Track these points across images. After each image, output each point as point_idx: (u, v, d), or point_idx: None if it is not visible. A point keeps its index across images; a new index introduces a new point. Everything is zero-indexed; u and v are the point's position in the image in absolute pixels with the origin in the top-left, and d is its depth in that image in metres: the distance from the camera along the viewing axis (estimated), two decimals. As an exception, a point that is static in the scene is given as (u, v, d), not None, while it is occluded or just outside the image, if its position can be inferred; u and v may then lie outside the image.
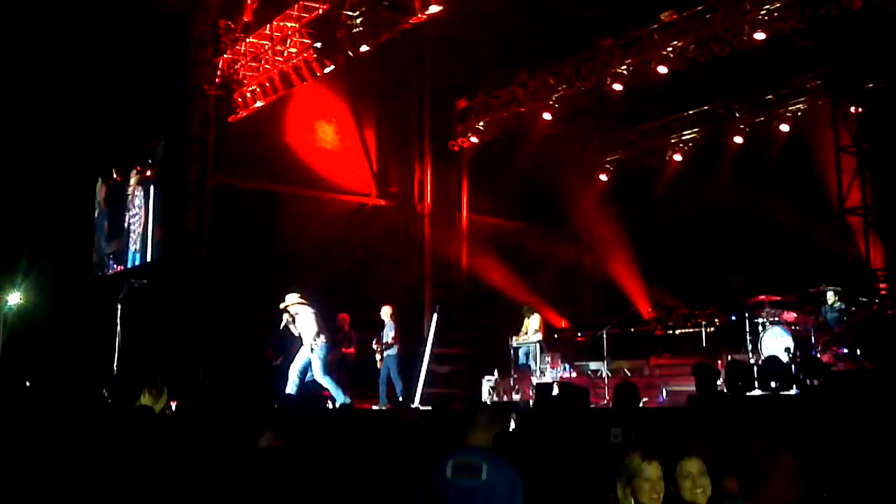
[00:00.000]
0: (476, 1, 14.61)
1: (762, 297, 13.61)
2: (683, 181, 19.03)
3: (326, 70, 15.20)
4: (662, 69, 15.05)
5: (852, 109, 16.11)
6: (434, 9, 13.13)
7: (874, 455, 6.99)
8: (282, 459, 5.99)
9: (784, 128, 17.20)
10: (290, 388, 12.77)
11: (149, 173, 18.11)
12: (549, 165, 19.15)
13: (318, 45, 14.75)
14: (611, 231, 19.85)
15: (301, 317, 12.77)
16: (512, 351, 16.02)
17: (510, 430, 9.15)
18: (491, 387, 15.37)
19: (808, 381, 10.82)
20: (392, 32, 14.26)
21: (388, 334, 14.63)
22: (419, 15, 13.72)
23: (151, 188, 17.98)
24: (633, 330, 16.72)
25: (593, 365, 15.97)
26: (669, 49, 14.85)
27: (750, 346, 13.13)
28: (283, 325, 12.85)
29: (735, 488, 4.96)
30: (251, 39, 16.14)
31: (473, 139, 18.69)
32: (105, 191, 20.23)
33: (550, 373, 15.39)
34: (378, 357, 14.67)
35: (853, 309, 13.18)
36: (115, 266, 19.22)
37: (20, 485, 5.51)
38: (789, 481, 5.54)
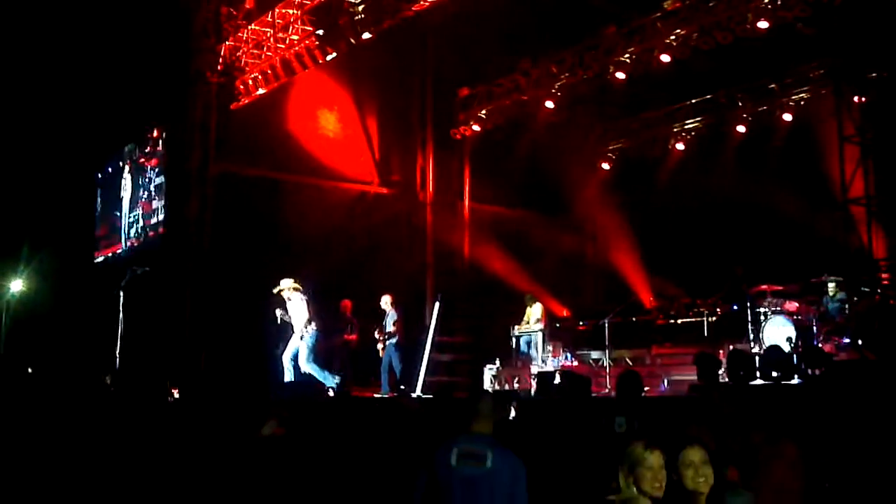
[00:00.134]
0: (479, -12, 14.58)
1: (764, 286, 13.61)
2: (686, 170, 18.99)
3: (328, 57, 15.16)
4: (665, 57, 15.03)
5: (856, 99, 16.06)
6: (436, -4, 13.10)
7: (876, 445, 7.00)
8: (284, 447, 6.00)
9: (787, 117, 17.15)
10: (287, 376, 12.81)
11: (154, 159, 18.09)
12: (551, 154, 19.10)
13: (320, 32, 14.71)
14: (613, 220, 19.82)
15: (293, 303, 12.81)
16: (514, 339, 16.04)
17: (510, 418, 9.18)
18: (493, 375, 15.39)
19: (809, 371, 10.82)
20: (394, 20, 14.23)
21: (390, 322, 14.65)
22: (421, 2, 13.71)
23: (150, 176, 17.96)
24: (634, 319, 16.71)
25: (595, 354, 15.98)
26: (672, 37, 14.82)
27: (752, 336, 13.14)
28: (279, 319, 12.88)
29: (736, 477, 4.97)
30: (253, 27, 16.08)
31: (476, 127, 18.67)
32: (105, 178, 20.23)
33: (552, 361, 15.40)
34: (380, 345, 14.70)
35: (855, 299, 13.16)
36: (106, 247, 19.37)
37: (25, 469, 5.52)
38: (791, 470, 5.55)
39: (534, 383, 14.17)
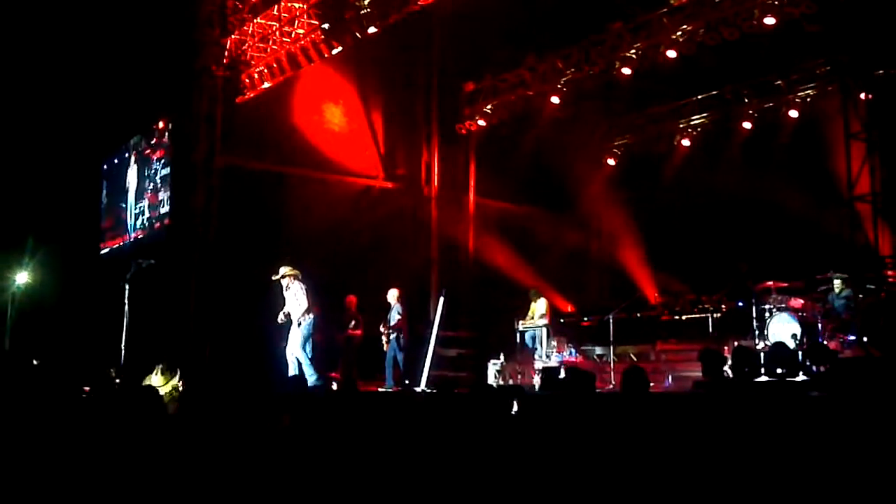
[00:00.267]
0: (485, -17, 14.56)
1: (769, 283, 13.59)
2: (691, 166, 18.95)
3: (334, 51, 15.18)
4: (671, 53, 15.02)
5: (862, 96, 16.00)
6: (443, -10, 13.09)
7: (881, 442, 6.99)
8: (287, 442, 6.01)
9: (793, 113, 17.10)
10: (291, 369, 12.81)
11: (159, 151, 18.10)
12: (556, 149, 19.10)
13: (326, 26, 14.72)
14: (618, 216, 19.80)
15: (291, 290, 12.76)
16: (518, 335, 16.05)
17: (512, 413, 9.16)
18: (497, 370, 15.40)
19: (814, 368, 10.81)
20: (400, 14, 14.24)
21: (395, 317, 14.66)
22: (428, -4, 13.69)
23: (156, 168, 17.98)
24: (639, 315, 16.69)
25: (599, 350, 16.00)
26: (679, 33, 14.82)
27: (757, 333, 13.13)
28: (280, 318, 12.85)
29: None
30: (259, 20, 16.08)
31: (481, 122, 18.67)
32: (110, 170, 20.25)
33: (556, 357, 15.41)
34: (384, 339, 14.70)
35: (860, 296, 13.14)
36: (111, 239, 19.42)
37: (29, 462, 5.53)
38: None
39: (538, 378, 14.19)
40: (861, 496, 5.73)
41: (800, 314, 12.93)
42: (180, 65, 16.69)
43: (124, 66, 17.59)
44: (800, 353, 11.42)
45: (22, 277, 17.18)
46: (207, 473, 5.40)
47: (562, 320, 17.27)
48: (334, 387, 12.93)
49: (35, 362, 12.29)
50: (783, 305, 13.20)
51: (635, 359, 15.30)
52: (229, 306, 15.37)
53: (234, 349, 14.73)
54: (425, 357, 15.16)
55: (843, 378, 9.56)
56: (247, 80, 16.53)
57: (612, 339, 15.02)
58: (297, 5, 15.42)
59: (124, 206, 19.17)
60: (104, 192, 20.29)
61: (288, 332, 12.91)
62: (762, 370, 11.19)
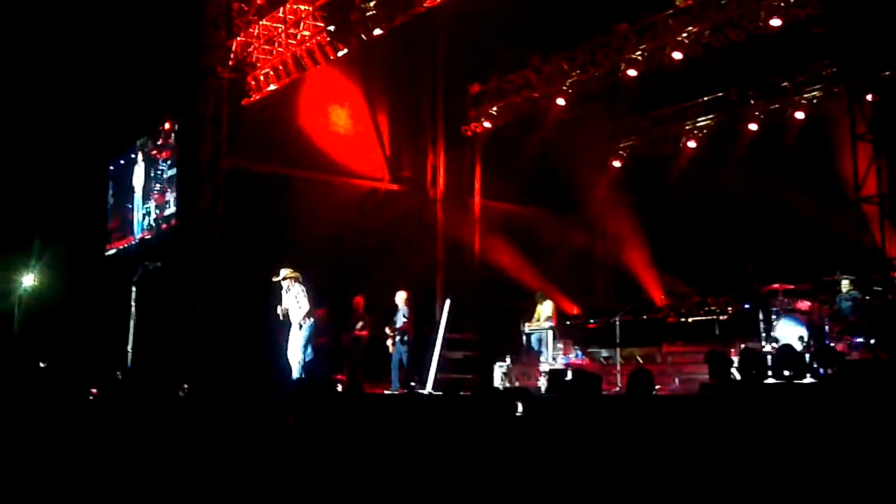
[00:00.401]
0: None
1: (776, 285, 13.57)
2: (697, 168, 18.92)
3: (340, 54, 15.18)
4: (677, 55, 15.00)
5: (868, 97, 15.97)
6: (448, -8, 13.09)
7: (889, 444, 6.97)
8: (291, 442, 6.01)
9: (799, 115, 17.07)
10: (296, 372, 12.80)
11: (165, 154, 18.13)
12: (562, 151, 19.07)
13: (332, 28, 14.73)
14: (623, 218, 19.78)
15: (292, 293, 12.72)
16: (524, 337, 16.03)
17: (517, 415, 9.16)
18: (503, 372, 15.39)
19: (822, 370, 10.78)
20: (406, 16, 14.24)
21: (402, 319, 14.63)
22: (433, -1, 13.69)
23: (162, 168, 18.01)
24: (645, 317, 16.67)
25: (605, 352, 15.97)
26: (684, 35, 14.80)
27: (763, 335, 13.09)
28: (281, 316, 12.83)
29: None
30: (265, 22, 16.10)
31: (487, 124, 18.65)
32: (115, 172, 20.28)
33: (562, 359, 15.39)
34: (390, 342, 14.69)
35: (868, 298, 13.10)
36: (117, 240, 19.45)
37: (37, 463, 5.54)
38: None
39: (544, 380, 14.17)
40: (868, 498, 5.70)
41: (807, 316, 12.90)
42: (186, 67, 16.71)
43: (130, 68, 17.62)
44: (807, 355, 11.40)
45: (28, 280, 17.21)
46: (214, 473, 5.41)
47: (568, 322, 17.25)
48: (339, 388, 12.93)
49: (42, 365, 12.33)
50: (790, 307, 13.16)
51: (641, 361, 15.27)
52: (235, 308, 15.37)
53: (240, 351, 14.73)
54: (431, 360, 15.14)
55: (851, 380, 9.53)
56: (252, 83, 16.54)
57: (618, 341, 14.99)
58: (302, 7, 15.43)
59: (130, 206, 19.20)
60: (110, 193, 20.32)
61: (289, 335, 12.90)
62: (769, 372, 11.17)
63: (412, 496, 5.54)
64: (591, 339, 16.66)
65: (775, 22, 13.46)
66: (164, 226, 17.72)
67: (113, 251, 19.77)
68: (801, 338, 12.17)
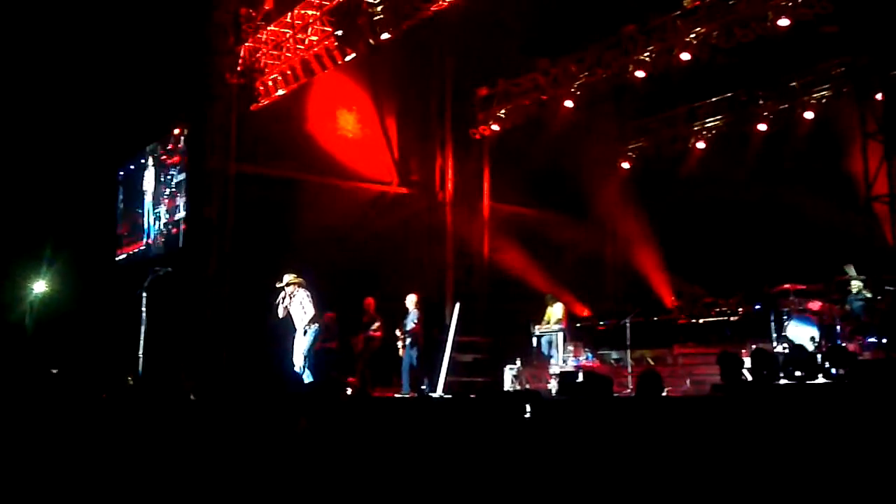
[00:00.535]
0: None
1: (787, 285, 13.51)
2: (706, 169, 18.87)
3: (347, 58, 15.20)
4: (685, 56, 14.96)
5: (878, 96, 15.89)
6: (455, -4, 13.10)
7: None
8: (304, 445, 6.01)
9: (808, 115, 17.01)
10: (306, 377, 12.78)
11: (174, 160, 18.18)
12: (570, 153, 19.03)
13: (339, 33, 14.74)
14: (633, 219, 19.71)
15: (297, 298, 12.68)
16: (534, 339, 16.00)
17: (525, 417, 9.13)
18: (513, 375, 15.37)
19: (834, 371, 10.74)
20: (413, 20, 14.24)
21: (412, 322, 14.63)
22: (440, 2, 13.70)
23: (172, 174, 18.07)
24: (655, 319, 16.64)
25: (615, 354, 15.93)
26: (692, 36, 14.78)
27: (775, 335, 13.04)
28: (282, 314, 12.81)
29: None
30: (272, 28, 16.15)
31: (495, 127, 18.65)
32: (126, 179, 20.35)
33: (573, 361, 15.36)
34: (400, 345, 14.68)
35: (879, 297, 13.03)
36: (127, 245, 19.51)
37: (48, 470, 5.55)
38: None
39: (554, 383, 14.14)
40: (883, 499, 5.67)
41: (818, 316, 12.84)
42: (195, 72, 16.77)
43: (140, 74, 17.68)
44: (819, 355, 11.35)
45: (39, 286, 17.27)
46: (226, 475, 5.41)
47: (578, 325, 17.23)
48: (348, 391, 12.92)
49: (54, 371, 12.35)
50: (801, 308, 13.12)
51: (652, 363, 15.23)
52: (245, 312, 15.39)
53: (251, 355, 14.75)
54: (442, 363, 15.13)
55: (863, 381, 9.49)
56: (261, 88, 16.59)
57: (628, 343, 14.96)
58: (310, 12, 15.48)
59: (141, 211, 19.28)
60: (120, 198, 20.41)
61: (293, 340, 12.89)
62: (781, 373, 11.12)
63: (419, 497, 5.53)
64: (601, 341, 16.64)
65: (783, 22, 13.42)
66: (174, 230, 17.78)
67: (123, 256, 19.85)
68: (812, 338, 12.12)
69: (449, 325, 15.64)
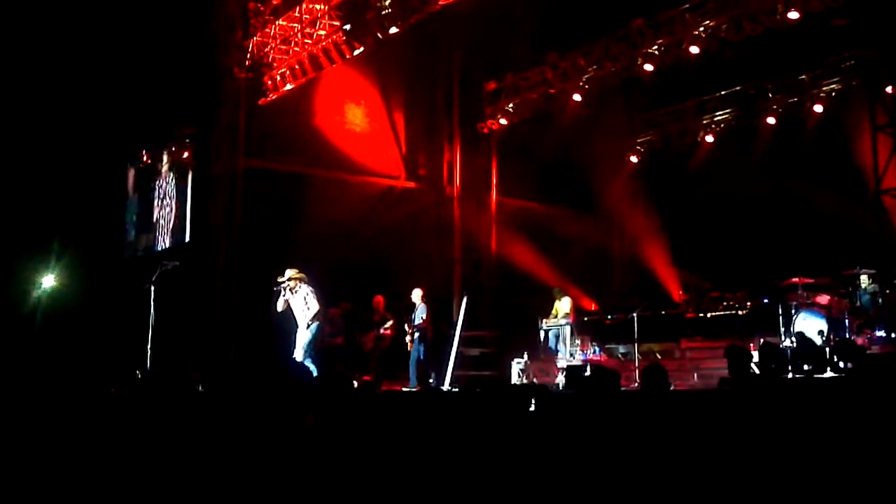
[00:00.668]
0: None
1: (796, 279, 13.48)
2: (715, 162, 18.82)
3: (356, 52, 15.21)
4: (694, 49, 14.93)
5: (889, 89, 15.82)
6: (463, -10, 13.08)
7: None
8: (311, 440, 6.02)
9: (818, 108, 16.94)
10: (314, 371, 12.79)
11: (183, 156, 18.21)
12: (578, 147, 18.99)
13: (348, 27, 14.76)
14: (641, 213, 19.67)
15: (300, 294, 12.68)
16: (542, 333, 16.00)
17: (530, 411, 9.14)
18: (521, 369, 15.37)
19: (842, 365, 10.71)
20: (421, 14, 14.24)
21: (420, 316, 14.65)
22: (448, -4, 13.68)
23: (184, 172, 18.10)
24: (663, 313, 16.61)
25: (623, 348, 15.92)
26: (701, 29, 14.74)
27: (783, 329, 13.01)
28: (281, 307, 12.80)
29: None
30: (281, 22, 16.16)
31: (503, 121, 18.65)
32: (134, 175, 20.38)
33: (580, 355, 15.36)
34: (408, 339, 14.71)
35: (888, 291, 13.00)
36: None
37: (56, 464, 5.57)
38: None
39: (562, 377, 14.14)
40: (891, 494, 5.66)
41: (827, 310, 12.81)
42: (203, 68, 16.78)
43: (149, 70, 17.69)
44: (827, 349, 11.32)
45: (48, 281, 17.32)
46: (234, 468, 5.43)
47: (585, 319, 17.21)
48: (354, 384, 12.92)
49: (62, 366, 12.40)
50: (809, 301, 13.09)
51: (660, 357, 15.21)
52: (253, 306, 15.42)
53: (259, 350, 14.78)
54: (449, 357, 15.14)
55: (872, 374, 9.46)
56: (269, 82, 16.60)
57: (636, 336, 14.93)
58: (318, 7, 15.47)
59: (149, 206, 19.32)
60: (129, 194, 20.44)
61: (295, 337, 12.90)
62: (789, 367, 11.10)
63: (424, 491, 5.54)
64: (609, 335, 16.62)
65: (793, 15, 13.37)
66: (182, 225, 17.81)
67: (132, 251, 19.89)
68: (820, 332, 12.09)
69: (456, 319, 15.65)
